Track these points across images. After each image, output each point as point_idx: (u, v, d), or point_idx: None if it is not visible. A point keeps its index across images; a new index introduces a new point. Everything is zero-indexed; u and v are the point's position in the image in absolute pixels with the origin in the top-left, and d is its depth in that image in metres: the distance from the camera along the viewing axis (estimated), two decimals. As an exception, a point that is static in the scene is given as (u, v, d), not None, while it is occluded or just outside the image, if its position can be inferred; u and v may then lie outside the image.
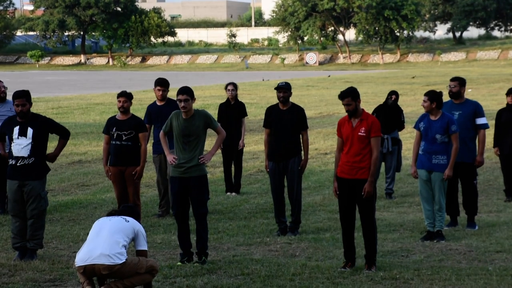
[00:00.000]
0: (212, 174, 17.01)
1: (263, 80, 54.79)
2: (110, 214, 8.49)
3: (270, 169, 11.67)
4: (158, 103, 12.97)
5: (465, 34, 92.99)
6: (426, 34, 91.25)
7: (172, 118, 9.85)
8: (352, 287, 8.49)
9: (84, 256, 7.98)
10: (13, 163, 10.03)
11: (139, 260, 8.11)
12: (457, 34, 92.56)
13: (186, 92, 9.72)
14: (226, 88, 15.35)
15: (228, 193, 15.15)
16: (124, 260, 7.95)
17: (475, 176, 12.07)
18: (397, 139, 14.95)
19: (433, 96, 11.06)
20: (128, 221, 8.25)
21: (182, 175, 9.75)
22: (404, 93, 41.33)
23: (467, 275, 9.02)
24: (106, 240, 8.01)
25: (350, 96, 9.33)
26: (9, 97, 11.69)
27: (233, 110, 15.16)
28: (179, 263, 9.65)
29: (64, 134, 10.36)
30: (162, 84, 12.90)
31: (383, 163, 15.00)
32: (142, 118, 12.12)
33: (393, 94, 15.08)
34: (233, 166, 15.34)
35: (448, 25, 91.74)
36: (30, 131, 9.99)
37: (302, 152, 11.69)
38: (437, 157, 11.08)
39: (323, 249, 10.50)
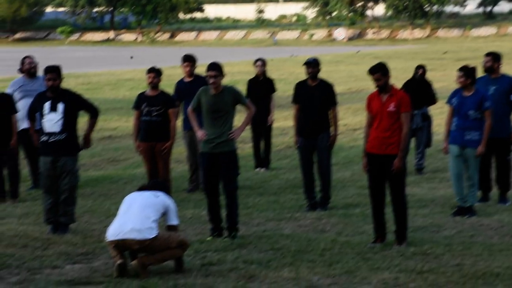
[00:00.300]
0: (241, 150, 17.03)
1: (291, 56, 54.62)
2: (141, 189, 8.55)
3: (300, 144, 11.67)
4: (186, 79, 12.99)
5: (496, 9, 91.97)
6: (456, 9, 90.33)
7: (201, 94, 9.86)
8: (382, 262, 8.50)
9: (115, 231, 8.05)
10: (45, 139, 10.10)
11: (169, 235, 8.16)
12: (488, 9, 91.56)
13: (216, 68, 9.72)
14: (254, 64, 15.35)
15: (258, 169, 15.19)
16: (154, 235, 8.01)
17: (509, 152, 11.98)
18: (427, 115, 14.86)
19: (468, 72, 10.99)
20: (159, 196, 8.31)
21: (212, 150, 9.78)
22: (434, 69, 41.02)
23: (498, 251, 8.99)
24: (136, 215, 8.07)
25: (380, 71, 9.28)
26: (40, 73, 11.78)
27: (261, 86, 15.15)
28: (209, 238, 9.71)
29: (93, 112, 10.35)
30: (189, 59, 12.90)
31: (413, 139, 14.93)
32: (172, 94, 12.14)
33: (420, 68, 14.96)
34: (262, 141, 15.36)
35: (478, 0, 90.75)
36: (60, 106, 10.05)
37: (332, 128, 11.67)
38: (470, 133, 11.01)
39: (353, 225, 10.51)
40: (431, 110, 15.35)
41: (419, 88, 14.73)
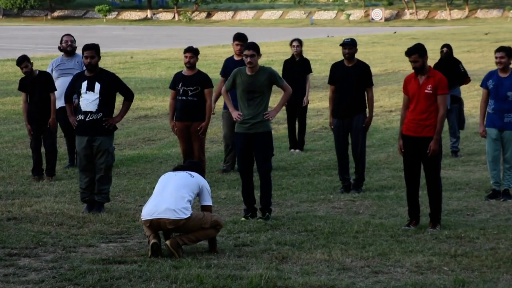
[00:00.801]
0: (276, 131, 17.04)
1: (327, 36, 54.36)
2: (176, 169, 8.58)
3: (335, 126, 11.63)
4: (236, 58, 12.93)
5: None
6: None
7: (236, 74, 9.84)
8: (416, 245, 8.47)
9: (150, 210, 8.11)
10: (81, 118, 10.17)
11: (204, 215, 8.20)
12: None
13: (253, 47, 9.70)
14: (291, 44, 15.28)
15: (292, 150, 15.18)
16: (189, 215, 8.05)
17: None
18: (458, 97, 14.58)
19: (509, 52, 10.85)
20: (193, 177, 8.33)
21: (247, 131, 9.78)
22: (472, 50, 40.62)
23: (533, 235, 8.91)
24: (171, 195, 8.12)
25: (417, 52, 9.20)
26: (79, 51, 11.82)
27: (297, 67, 15.10)
28: (243, 219, 9.74)
29: (128, 95, 10.41)
30: (241, 39, 12.76)
31: (446, 121, 14.74)
32: (208, 74, 12.15)
33: (445, 47, 14.66)
34: (297, 123, 15.33)
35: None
36: (97, 86, 10.11)
37: (367, 110, 11.62)
38: (509, 115, 10.89)
39: (387, 207, 10.48)
40: (466, 92, 15.13)
41: (447, 68, 14.23)
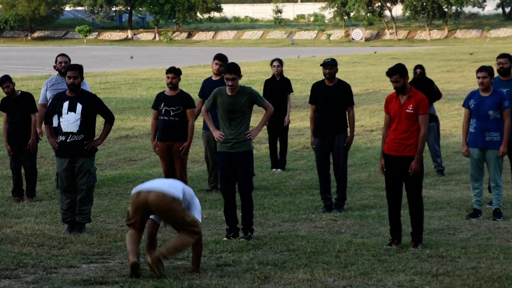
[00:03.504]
0: (258, 150, 17.04)
1: (298, 57, 54.41)
2: None
3: (316, 145, 11.66)
4: (214, 78, 12.97)
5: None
6: (475, 9, 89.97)
7: (217, 94, 9.84)
8: (398, 264, 8.48)
9: (142, 185, 8.17)
10: (62, 139, 10.12)
11: (186, 210, 8.13)
12: (507, 9, 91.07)
13: (234, 70, 9.68)
14: (271, 64, 15.33)
15: (274, 169, 15.18)
16: (177, 196, 8.00)
17: (523, 154, 11.91)
18: (434, 116, 14.66)
19: (491, 71, 10.94)
20: (185, 190, 8.32)
21: (229, 150, 9.78)
22: (452, 70, 40.89)
23: (514, 254, 8.94)
24: (164, 182, 8.22)
25: (398, 73, 9.26)
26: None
27: (278, 86, 15.14)
28: (225, 239, 9.72)
29: (109, 118, 10.34)
30: (221, 58, 12.84)
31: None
32: (190, 94, 12.16)
33: (418, 68, 14.84)
34: (278, 142, 15.35)
35: (498, 0, 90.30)
36: (79, 106, 10.07)
37: (348, 129, 11.65)
38: (490, 134, 10.96)
39: (368, 226, 10.49)
40: (445, 111, 15.23)
41: (422, 88, 14.41)
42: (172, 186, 8.16)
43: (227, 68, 9.76)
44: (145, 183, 8.36)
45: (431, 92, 14.55)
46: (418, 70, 14.74)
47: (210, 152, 13.05)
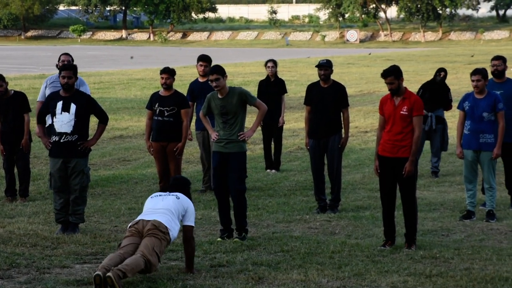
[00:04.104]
0: (252, 151, 17.04)
1: (308, 57, 54.54)
2: (163, 190, 8.52)
3: (310, 146, 11.66)
4: (200, 80, 12.99)
5: (509, 12, 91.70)
6: (469, 12, 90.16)
7: (210, 99, 9.87)
8: (392, 265, 8.48)
9: (141, 216, 8.10)
10: (56, 139, 10.08)
11: (157, 248, 7.97)
12: (501, 12, 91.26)
13: (216, 71, 9.65)
14: (266, 65, 15.33)
15: (268, 170, 15.18)
16: (169, 231, 7.98)
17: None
18: (442, 118, 14.76)
19: (485, 74, 10.96)
20: (179, 198, 8.28)
21: (222, 150, 9.78)
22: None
23: (508, 255, 8.96)
24: (160, 213, 8.12)
25: (393, 74, 9.26)
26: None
27: (273, 87, 15.14)
28: (219, 239, 9.71)
29: (103, 118, 10.29)
30: (204, 59, 12.89)
31: (427, 141, 14.87)
32: (184, 94, 12.15)
33: (442, 71, 14.90)
34: (273, 143, 15.35)
35: (492, 3, 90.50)
36: (73, 107, 10.03)
37: (343, 130, 11.66)
38: (484, 136, 10.97)
39: (362, 227, 10.50)
40: (444, 114, 15.28)
41: (438, 91, 14.68)
42: (169, 219, 8.06)
43: (210, 70, 9.75)
44: (144, 213, 8.19)
45: (445, 98, 14.69)
46: (442, 73, 14.83)
47: (205, 153, 13.04)
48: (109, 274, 7.40)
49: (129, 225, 8.15)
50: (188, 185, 8.61)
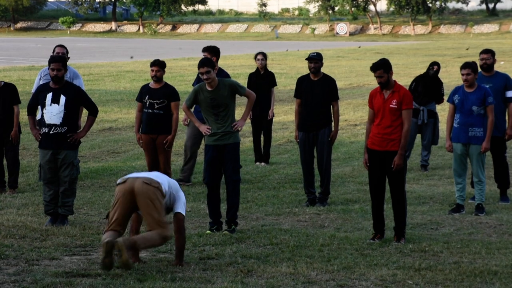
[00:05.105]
0: (242, 144, 16.99)
1: (287, 50, 54.48)
2: None
3: (300, 139, 11.66)
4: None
5: (499, 6, 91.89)
6: (459, 5, 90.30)
7: (197, 91, 9.76)
8: (381, 258, 8.50)
9: (126, 176, 8.13)
10: (45, 131, 10.06)
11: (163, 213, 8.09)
12: (490, 5, 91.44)
13: (206, 63, 9.58)
14: (255, 57, 15.32)
15: (257, 163, 15.18)
16: (162, 186, 7.98)
17: (505, 149, 11.98)
18: (434, 112, 14.79)
19: (475, 68, 10.97)
20: (172, 180, 8.30)
21: (216, 142, 9.74)
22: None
23: (497, 249, 8.99)
24: (150, 173, 8.19)
25: (382, 68, 9.26)
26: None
27: (262, 80, 15.13)
28: (208, 232, 9.71)
29: (93, 110, 10.24)
30: (207, 50, 12.57)
31: (419, 135, 14.90)
32: (174, 86, 12.11)
33: (435, 65, 14.91)
34: (262, 136, 15.35)
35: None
36: (63, 98, 10.00)
37: (333, 123, 11.66)
38: (473, 129, 10.99)
39: (352, 220, 10.51)
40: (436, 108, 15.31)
41: (430, 85, 14.70)
42: (158, 177, 8.15)
43: (199, 63, 9.65)
44: (131, 174, 8.33)
45: (437, 92, 14.70)
46: (435, 67, 14.84)
47: (191, 142, 12.96)
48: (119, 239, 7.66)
49: (117, 182, 8.15)
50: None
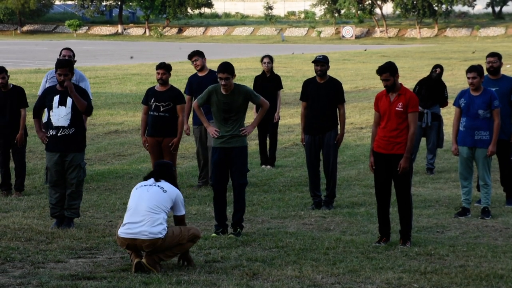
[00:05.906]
0: (248, 147, 17.00)
1: (292, 53, 54.49)
2: (147, 178, 8.43)
3: (306, 142, 11.66)
4: (200, 74, 12.94)
5: (505, 9, 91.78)
6: (465, 8, 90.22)
7: (212, 92, 9.76)
8: (387, 262, 8.49)
9: (126, 231, 8.05)
10: (53, 133, 10.06)
11: (181, 230, 8.13)
12: (497, 9, 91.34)
13: (227, 69, 9.57)
14: (261, 60, 15.32)
15: (263, 166, 15.18)
16: (164, 234, 7.99)
17: (511, 153, 11.94)
18: (438, 115, 14.78)
19: (481, 71, 10.95)
20: (166, 191, 8.23)
21: (224, 145, 9.74)
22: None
23: (503, 252, 8.97)
24: (145, 215, 8.03)
25: (388, 71, 9.26)
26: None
27: (268, 83, 15.13)
28: (213, 235, 9.70)
29: (88, 109, 10.25)
30: (194, 54, 12.77)
31: (423, 138, 14.89)
32: (180, 89, 12.13)
33: (438, 68, 14.90)
34: (268, 139, 15.35)
35: (487, 0, 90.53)
36: (69, 100, 10.02)
37: (339, 126, 11.66)
38: (479, 133, 10.97)
39: (357, 224, 10.50)
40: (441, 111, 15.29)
41: (434, 87, 14.69)
42: (154, 222, 8.05)
43: (220, 68, 9.64)
44: (125, 224, 8.14)
45: (441, 95, 14.69)
46: (438, 70, 14.83)
47: (201, 148, 13.02)
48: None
49: (120, 232, 8.10)
50: (171, 169, 8.54)
